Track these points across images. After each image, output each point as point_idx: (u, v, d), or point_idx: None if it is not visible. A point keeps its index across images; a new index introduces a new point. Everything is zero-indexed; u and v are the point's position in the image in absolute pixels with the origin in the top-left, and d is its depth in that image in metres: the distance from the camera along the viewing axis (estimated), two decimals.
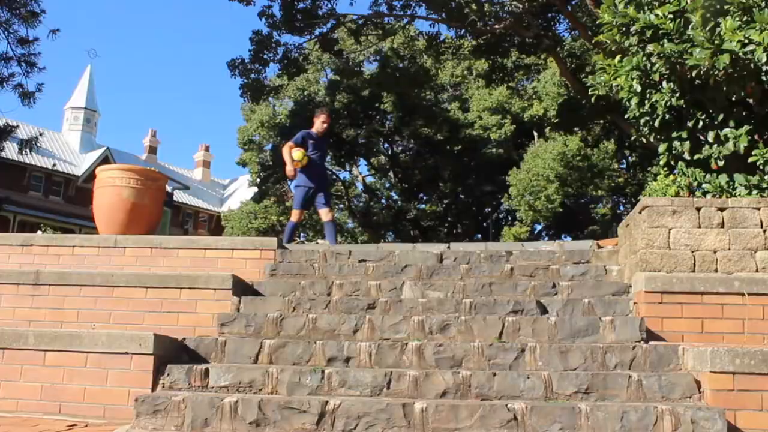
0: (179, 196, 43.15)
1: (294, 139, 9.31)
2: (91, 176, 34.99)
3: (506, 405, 3.70)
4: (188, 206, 48.06)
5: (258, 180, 35.82)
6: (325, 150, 9.50)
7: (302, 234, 40.55)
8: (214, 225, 48.67)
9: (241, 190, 50.65)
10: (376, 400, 3.93)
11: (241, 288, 5.86)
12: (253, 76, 22.53)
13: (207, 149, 55.66)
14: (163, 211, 8.49)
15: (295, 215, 9.28)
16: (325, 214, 9.21)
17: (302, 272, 6.43)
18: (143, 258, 6.79)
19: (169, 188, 13.28)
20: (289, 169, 9.09)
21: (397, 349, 4.52)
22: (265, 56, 22.26)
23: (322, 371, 4.22)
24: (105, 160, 40.61)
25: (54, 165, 39.07)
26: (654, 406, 3.65)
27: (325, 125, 9.40)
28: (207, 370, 4.31)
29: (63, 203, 39.98)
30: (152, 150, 51.45)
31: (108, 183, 7.73)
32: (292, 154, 9.01)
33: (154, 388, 4.27)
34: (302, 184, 9.19)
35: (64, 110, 45.96)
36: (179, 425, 3.87)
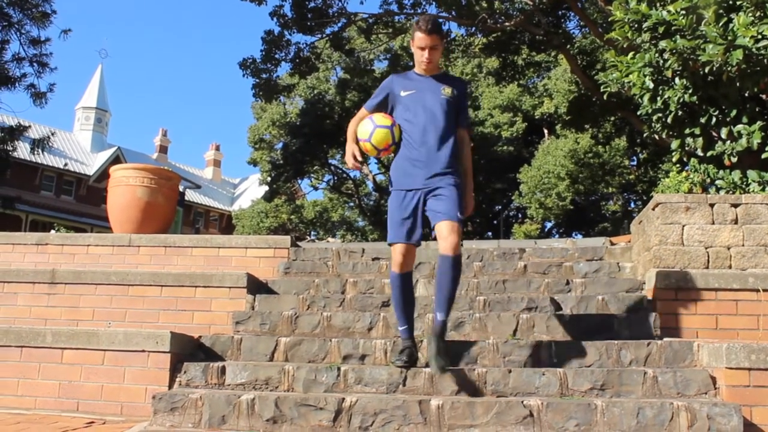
0: (190, 195, 43.31)
1: (367, 102, 4.67)
2: (102, 175, 35.21)
3: (522, 402, 3.70)
4: (199, 205, 48.17)
5: (269, 179, 35.88)
6: (444, 104, 4.39)
7: (312, 232, 40.61)
8: (225, 224, 48.81)
9: (251, 189, 50.75)
10: (392, 397, 3.95)
11: (256, 286, 5.89)
12: (264, 75, 22.56)
13: (217, 148, 55.78)
14: (176, 210, 8.52)
15: (393, 255, 4.33)
16: (443, 235, 4.13)
17: (316, 270, 6.45)
18: (157, 257, 6.83)
19: (180, 187, 13.34)
20: (348, 156, 4.55)
21: None
22: (276, 56, 22.30)
23: (338, 368, 4.24)
24: (116, 159, 40.77)
25: (66, 165, 39.27)
26: (670, 402, 3.65)
27: (426, 54, 4.42)
28: (223, 367, 4.33)
29: (74, 203, 40.14)
30: (163, 149, 51.60)
31: (122, 182, 7.77)
32: (357, 131, 4.47)
33: (171, 386, 4.30)
34: (394, 184, 4.43)
35: (75, 110, 46.16)
36: (196, 422, 3.89)
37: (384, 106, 4.53)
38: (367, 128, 4.37)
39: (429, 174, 4.26)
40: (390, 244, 4.33)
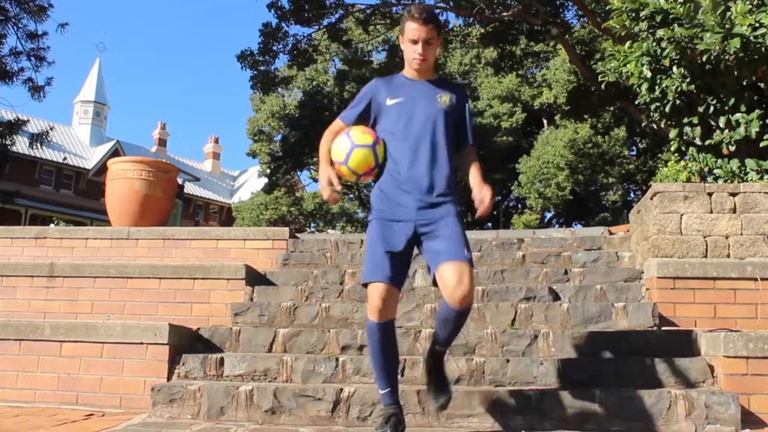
0: (190, 188, 43.27)
1: (343, 113, 3.77)
2: (101, 169, 35.11)
3: (520, 391, 3.71)
4: (199, 198, 48.14)
5: (268, 171, 35.85)
6: (441, 115, 3.47)
7: (312, 224, 40.58)
8: (225, 216, 48.78)
9: (251, 181, 50.70)
10: None
11: (254, 278, 5.89)
12: (262, 67, 22.53)
13: (216, 141, 55.70)
14: (174, 203, 8.51)
15: (371, 299, 3.29)
16: (449, 283, 3.18)
17: (314, 261, 6.45)
18: (156, 249, 6.83)
19: (179, 180, 13.35)
20: (322, 184, 3.47)
21: (411, 336, 4.54)
22: (274, 48, 22.25)
23: (336, 359, 4.25)
24: (115, 153, 40.67)
25: (65, 159, 39.22)
26: (668, 391, 3.66)
27: (419, 49, 3.53)
28: (222, 359, 4.34)
29: (74, 196, 40.10)
30: (162, 142, 51.50)
31: (120, 175, 7.76)
32: (332, 151, 3.55)
33: (169, 378, 4.30)
34: (377, 212, 3.47)
35: (73, 104, 46.03)
36: (195, 414, 3.90)
37: (366, 118, 3.62)
38: (344, 148, 3.44)
39: (422, 202, 3.35)
40: (365, 284, 3.33)
